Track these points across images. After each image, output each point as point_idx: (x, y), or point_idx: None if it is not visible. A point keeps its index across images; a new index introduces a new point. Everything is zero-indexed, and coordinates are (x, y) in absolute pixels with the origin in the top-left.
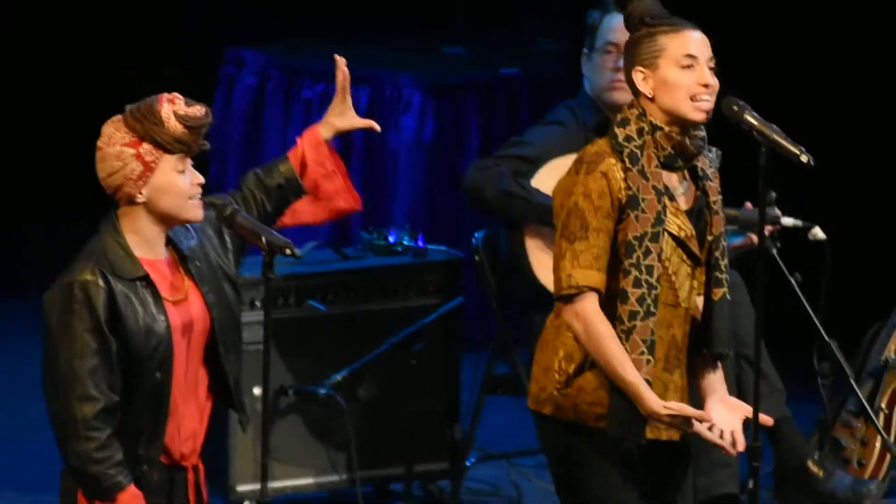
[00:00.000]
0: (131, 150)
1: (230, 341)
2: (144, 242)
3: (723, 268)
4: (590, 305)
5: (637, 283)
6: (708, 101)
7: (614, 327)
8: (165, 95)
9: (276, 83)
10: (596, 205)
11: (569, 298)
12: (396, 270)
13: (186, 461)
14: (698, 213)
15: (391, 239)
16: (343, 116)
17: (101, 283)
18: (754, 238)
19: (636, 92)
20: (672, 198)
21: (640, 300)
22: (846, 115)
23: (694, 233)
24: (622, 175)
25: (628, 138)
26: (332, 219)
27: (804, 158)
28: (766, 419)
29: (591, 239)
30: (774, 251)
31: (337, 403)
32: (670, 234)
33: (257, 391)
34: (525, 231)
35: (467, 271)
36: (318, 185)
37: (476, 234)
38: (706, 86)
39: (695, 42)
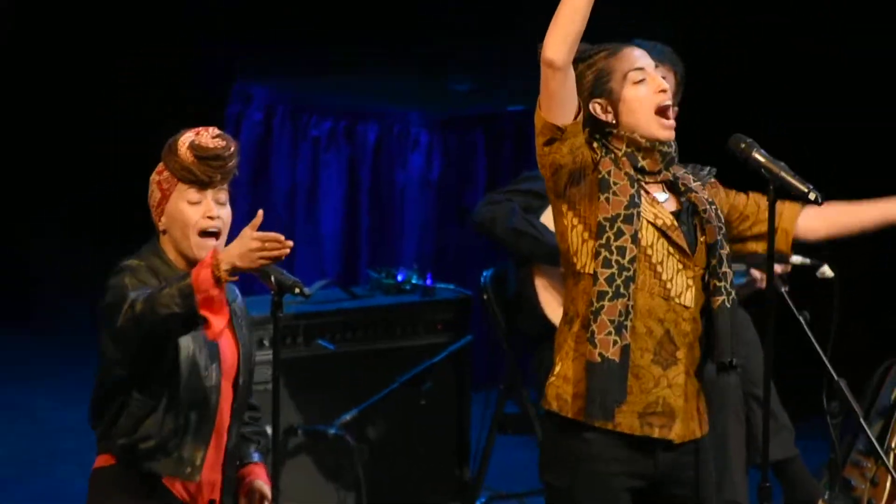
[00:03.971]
0: (157, 178)
1: (243, 400)
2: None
3: (720, 275)
4: None
5: (606, 264)
6: (671, 122)
7: (586, 309)
8: (201, 128)
9: (282, 119)
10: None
11: None
12: (405, 309)
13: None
14: (686, 217)
15: (399, 277)
16: None
17: (149, 273)
18: (757, 276)
19: (598, 123)
20: (646, 192)
21: (609, 280)
22: (854, 152)
23: (675, 223)
24: (596, 155)
25: (594, 139)
26: None
27: (812, 196)
28: None
29: None
30: (783, 290)
31: (346, 443)
32: (649, 222)
33: (267, 430)
34: (533, 269)
35: (476, 309)
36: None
37: (484, 273)
38: (664, 91)
39: (637, 55)
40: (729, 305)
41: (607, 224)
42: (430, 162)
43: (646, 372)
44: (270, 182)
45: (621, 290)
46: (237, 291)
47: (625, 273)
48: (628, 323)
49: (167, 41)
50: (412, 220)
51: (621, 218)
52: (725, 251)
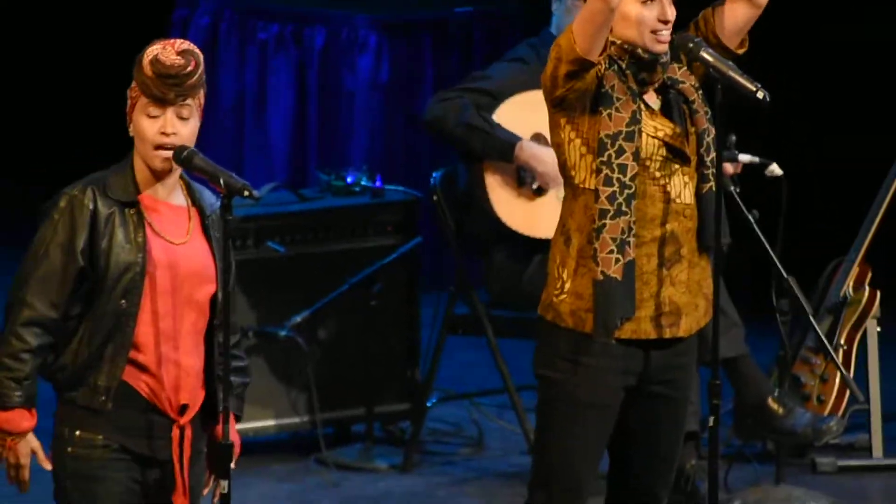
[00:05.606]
0: (132, 85)
1: (225, 315)
2: (146, 179)
3: (708, 163)
4: None
5: (608, 182)
6: (667, 35)
7: (588, 226)
8: (170, 41)
9: (229, 24)
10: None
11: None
12: (354, 211)
13: (173, 413)
14: (676, 110)
15: (349, 179)
16: None
17: (88, 200)
18: None
19: None
20: (646, 105)
21: (611, 198)
22: (801, 52)
23: (675, 130)
24: (599, 67)
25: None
26: None
27: (760, 95)
28: None
29: None
30: (732, 188)
31: (297, 345)
32: (650, 136)
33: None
34: (484, 166)
35: (425, 211)
36: None
37: (434, 174)
38: (666, 21)
39: None
40: (714, 191)
41: (608, 141)
42: (379, 65)
43: (651, 276)
44: (218, 87)
45: (623, 207)
46: (214, 201)
47: (626, 191)
48: (631, 239)
49: None
50: (361, 124)
51: (623, 135)
52: (711, 136)
